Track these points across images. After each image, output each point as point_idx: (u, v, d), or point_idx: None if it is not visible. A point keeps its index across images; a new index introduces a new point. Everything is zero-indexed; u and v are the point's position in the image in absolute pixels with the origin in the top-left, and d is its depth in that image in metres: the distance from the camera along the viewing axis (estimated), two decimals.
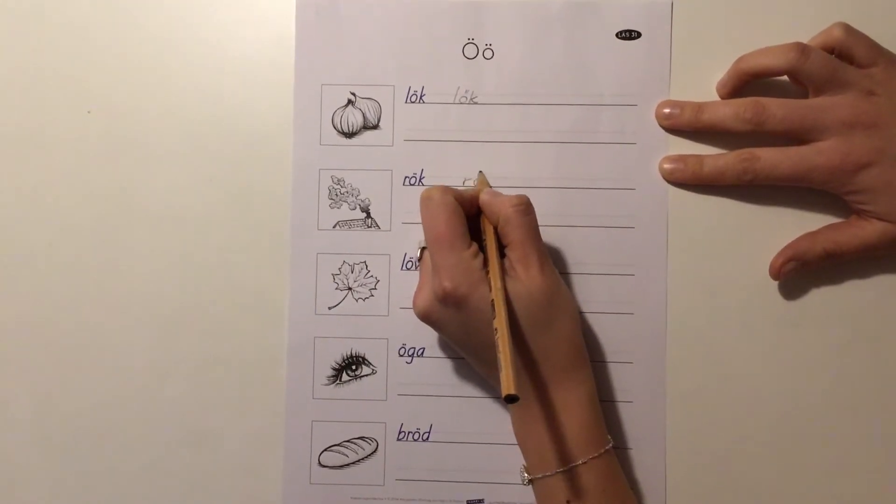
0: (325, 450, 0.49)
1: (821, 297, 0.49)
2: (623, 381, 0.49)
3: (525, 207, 0.44)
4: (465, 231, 0.44)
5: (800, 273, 0.48)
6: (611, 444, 0.44)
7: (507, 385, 0.38)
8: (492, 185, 0.49)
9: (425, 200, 0.44)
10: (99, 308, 0.50)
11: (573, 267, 0.49)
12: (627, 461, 0.48)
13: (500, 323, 0.40)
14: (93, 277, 0.50)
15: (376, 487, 0.49)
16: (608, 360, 0.49)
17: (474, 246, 0.44)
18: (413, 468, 0.49)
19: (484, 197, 0.45)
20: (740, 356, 0.49)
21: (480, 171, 0.49)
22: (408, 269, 0.49)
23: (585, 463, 0.43)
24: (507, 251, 0.45)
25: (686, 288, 0.49)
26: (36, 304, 0.50)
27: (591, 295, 0.49)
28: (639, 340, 0.49)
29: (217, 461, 0.50)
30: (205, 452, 0.50)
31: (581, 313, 0.49)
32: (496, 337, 0.40)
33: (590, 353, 0.48)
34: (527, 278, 0.43)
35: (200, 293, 0.50)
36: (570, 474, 0.43)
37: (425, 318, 0.45)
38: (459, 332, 0.44)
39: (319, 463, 0.49)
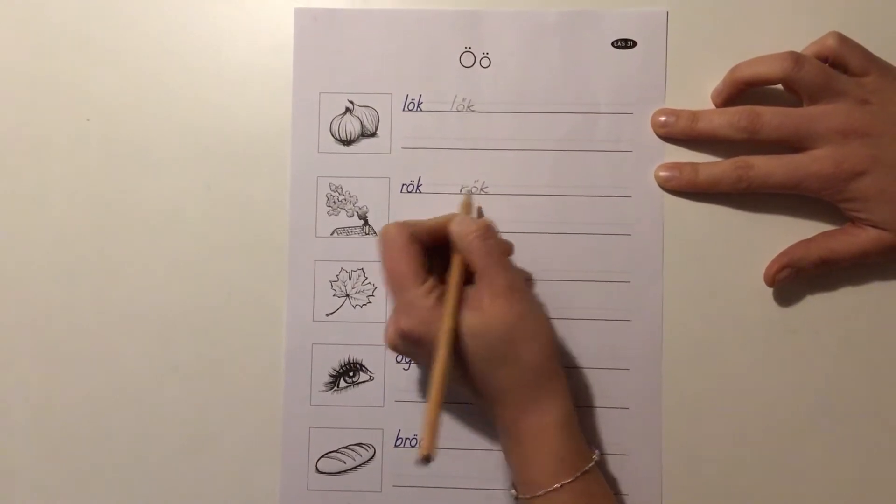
0: (323, 456, 0.49)
1: (815, 304, 0.49)
2: (619, 387, 0.49)
3: (483, 233, 0.43)
4: (417, 267, 0.43)
5: (794, 280, 0.48)
6: (592, 463, 0.43)
7: (423, 446, 0.38)
8: (489, 192, 0.49)
9: (380, 239, 0.44)
10: (97, 314, 0.50)
11: (569, 274, 0.49)
12: (623, 467, 0.49)
13: (437, 371, 0.40)
14: (91, 284, 0.50)
15: (374, 494, 0.49)
16: (604, 366, 0.49)
17: (429, 281, 0.43)
18: (410, 475, 0.49)
19: (452, 227, 0.45)
20: (736, 363, 0.49)
21: (467, 194, 0.49)
22: None
23: (561, 487, 0.42)
24: (475, 279, 0.44)
25: (682, 295, 0.49)
26: (35, 309, 0.50)
27: (587, 302, 0.49)
28: (635, 347, 0.49)
29: (214, 467, 0.50)
30: (202, 458, 0.50)
31: (574, 320, 0.49)
32: (428, 388, 0.39)
33: (586, 360, 0.48)
34: (490, 309, 0.42)
35: (199, 300, 0.50)
36: (547, 499, 0.42)
37: (395, 350, 0.45)
38: (429, 364, 0.43)
39: (317, 469, 0.49)
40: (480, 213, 0.49)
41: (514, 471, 0.44)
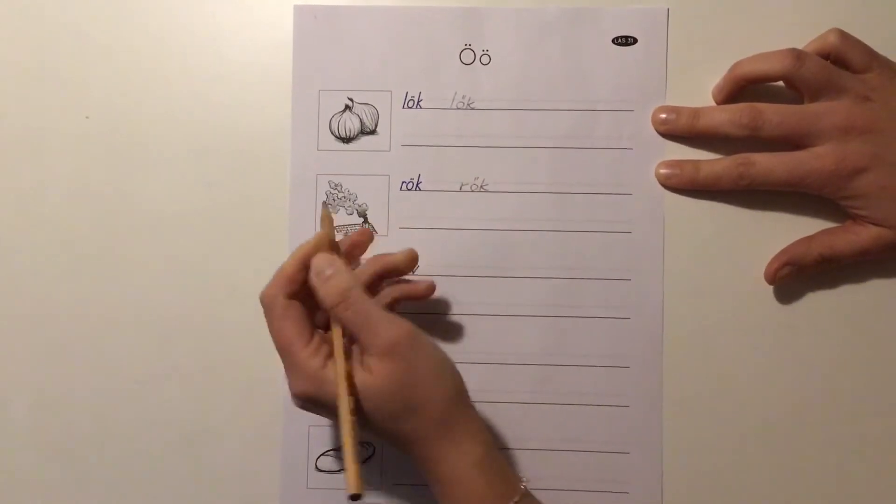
0: (323, 454, 0.49)
1: (816, 302, 0.49)
2: (619, 385, 0.49)
3: (345, 302, 0.41)
4: (300, 328, 0.41)
5: (795, 277, 0.48)
6: (518, 497, 0.42)
7: (349, 484, 0.39)
8: (488, 190, 0.49)
9: (262, 305, 0.42)
10: (97, 313, 0.50)
11: (569, 272, 0.49)
12: (623, 466, 0.48)
13: (344, 424, 0.40)
14: (91, 282, 0.50)
15: (373, 492, 0.49)
16: (605, 364, 0.49)
17: (315, 340, 0.42)
18: (410, 473, 0.49)
19: (311, 278, 0.42)
20: (736, 360, 0.49)
21: (324, 207, 0.47)
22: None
23: None
24: (357, 340, 0.42)
25: (682, 292, 0.49)
26: (34, 308, 0.50)
27: (588, 299, 0.49)
28: (635, 345, 0.49)
29: (214, 465, 0.50)
30: (202, 457, 0.50)
31: (575, 318, 0.49)
32: (341, 435, 0.39)
33: (586, 358, 0.48)
34: (378, 370, 0.41)
35: (198, 298, 0.50)
36: None
37: (302, 409, 0.43)
38: (333, 420, 0.42)
39: (316, 467, 0.49)
40: (329, 225, 0.45)
41: None
